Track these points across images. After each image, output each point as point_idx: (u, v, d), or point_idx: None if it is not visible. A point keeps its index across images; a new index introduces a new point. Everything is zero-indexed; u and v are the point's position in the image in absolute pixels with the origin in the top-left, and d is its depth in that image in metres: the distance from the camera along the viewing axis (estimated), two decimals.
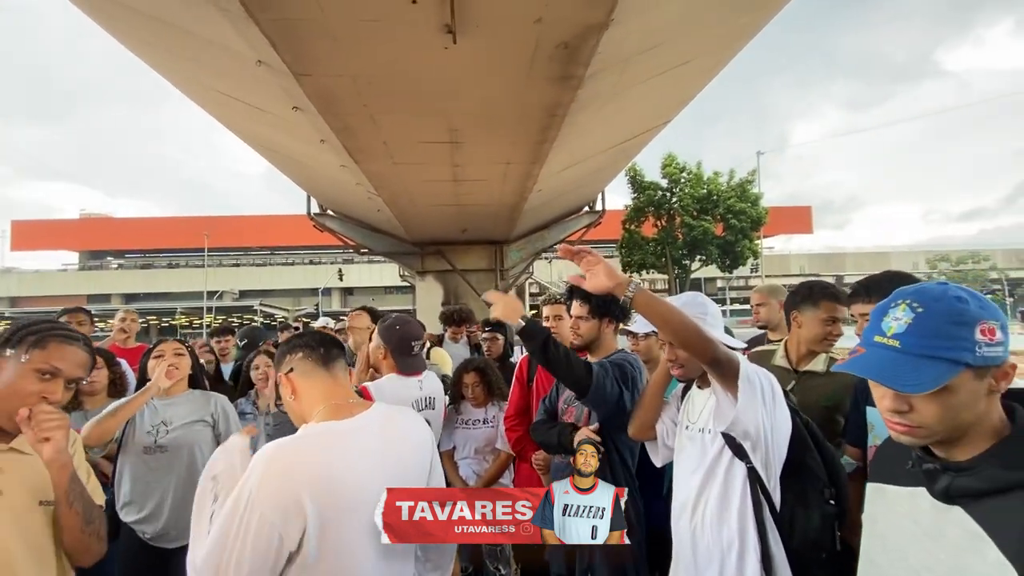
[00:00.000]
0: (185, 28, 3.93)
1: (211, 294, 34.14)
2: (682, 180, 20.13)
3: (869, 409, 1.73)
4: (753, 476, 1.24)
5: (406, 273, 12.81)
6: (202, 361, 2.51)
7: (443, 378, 3.10)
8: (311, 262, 40.60)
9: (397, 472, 1.19)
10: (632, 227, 20.63)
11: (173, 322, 35.03)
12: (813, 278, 2.44)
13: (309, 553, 1.04)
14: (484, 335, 3.61)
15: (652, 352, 2.29)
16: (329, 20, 3.48)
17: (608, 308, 1.95)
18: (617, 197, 17.18)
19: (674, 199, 20.19)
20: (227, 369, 3.55)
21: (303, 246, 39.49)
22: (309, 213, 10.69)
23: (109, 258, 43.77)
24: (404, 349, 2.07)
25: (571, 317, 2.01)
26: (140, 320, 3.94)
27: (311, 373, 1.27)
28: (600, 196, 11.38)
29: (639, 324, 2.09)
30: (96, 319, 3.76)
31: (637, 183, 20.25)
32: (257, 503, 1.02)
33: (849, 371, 0.80)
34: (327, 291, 36.20)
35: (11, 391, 1.18)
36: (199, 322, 34.26)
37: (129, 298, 38.29)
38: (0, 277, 38.53)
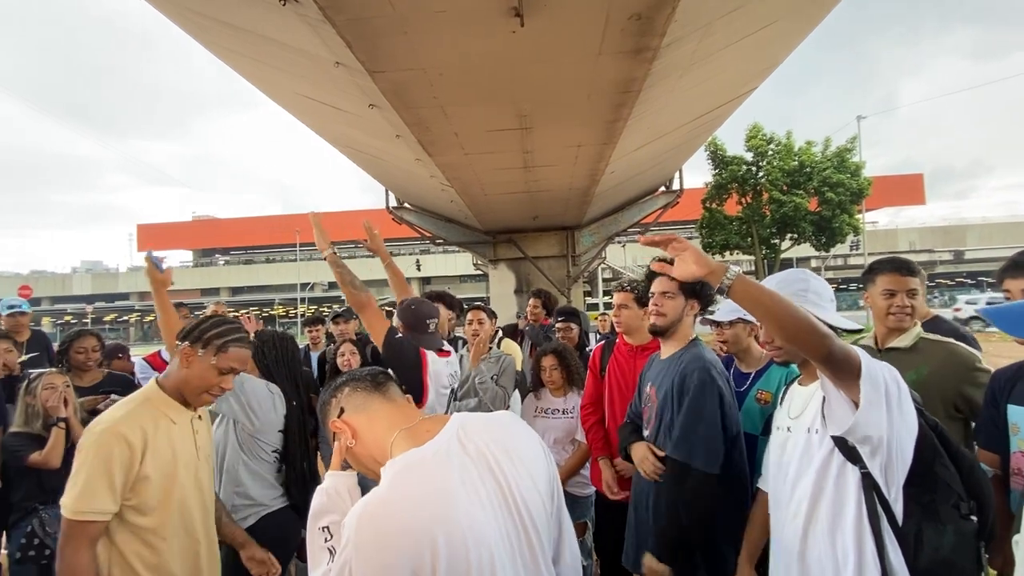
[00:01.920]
0: (270, 37, 4.18)
1: (303, 286, 36.95)
2: (769, 152, 18.58)
3: (1013, 408, 1.48)
4: (868, 483, 1.08)
5: (479, 262, 13.01)
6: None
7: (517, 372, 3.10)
8: (392, 254, 42.46)
9: (508, 485, 0.98)
10: (713, 206, 19.43)
11: (272, 312, 38.25)
12: (925, 254, 2.14)
13: None
14: (558, 324, 3.52)
15: (740, 342, 2.11)
16: (399, 15, 3.53)
17: (697, 289, 1.80)
18: (696, 175, 16.32)
19: (760, 173, 18.72)
20: (315, 356, 3.78)
21: (384, 239, 41.35)
22: (388, 207, 11.14)
23: (217, 255, 48.68)
24: (420, 327, 2.22)
25: (652, 295, 1.86)
26: (242, 312, 4.30)
27: (367, 403, 1.08)
28: (677, 174, 10.83)
29: (723, 311, 1.93)
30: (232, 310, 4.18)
31: (718, 158, 18.98)
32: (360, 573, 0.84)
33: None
34: (407, 281, 37.75)
35: (199, 379, 1.55)
36: (294, 312, 37.14)
37: (235, 291, 42.37)
38: (132, 274, 43.94)
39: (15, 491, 2.44)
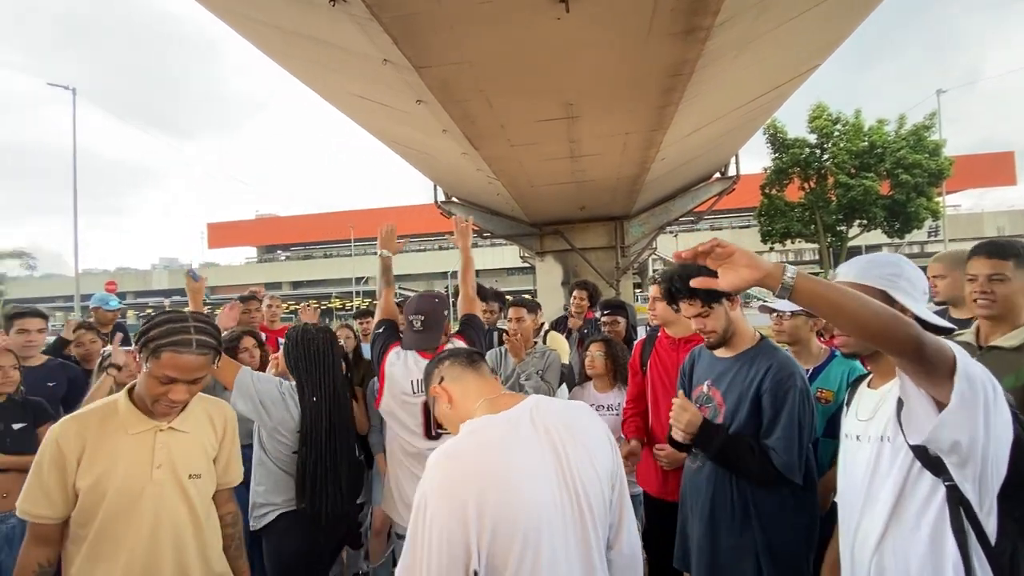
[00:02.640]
0: (322, 39, 4.30)
1: (358, 280, 38.34)
2: (835, 133, 17.38)
3: None
4: (954, 497, 0.97)
5: (526, 254, 12.99)
6: (341, 341, 2.79)
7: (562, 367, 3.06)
8: (440, 247, 43.43)
9: (568, 468, 1.08)
10: (773, 191, 18.42)
11: (329, 305, 39.92)
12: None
13: (491, 562, 0.98)
14: (603, 317, 3.42)
15: (799, 335, 1.98)
16: (444, 9, 3.54)
17: (705, 292, 1.67)
18: (754, 159, 15.54)
19: (825, 156, 17.56)
20: (367, 348, 3.92)
21: (433, 233, 42.31)
22: (436, 201, 11.30)
23: (279, 251, 51.32)
24: (407, 324, 2.16)
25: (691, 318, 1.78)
26: (301, 303, 4.53)
27: (461, 376, 1.28)
28: (733, 160, 10.34)
29: (784, 300, 1.81)
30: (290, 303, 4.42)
31: (778, 141, 17.95)
32: (433, 515, 0.98)
33: None
34: (455, 274, 38.39)
35: (145, 387, 1.41)
36: (351, 305, 38.64)
37: (295, 285, 44.53)
38: (204, 270, 47.19)
39: None
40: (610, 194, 8.84)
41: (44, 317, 2.85)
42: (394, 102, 5.44)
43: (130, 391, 1.48)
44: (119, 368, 2.33)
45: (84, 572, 1.39)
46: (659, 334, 2.36)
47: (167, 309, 1.47)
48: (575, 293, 4.08)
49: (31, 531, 1.40)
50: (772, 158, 18.30)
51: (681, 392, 1.79)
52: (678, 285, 1.72)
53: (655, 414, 2.28)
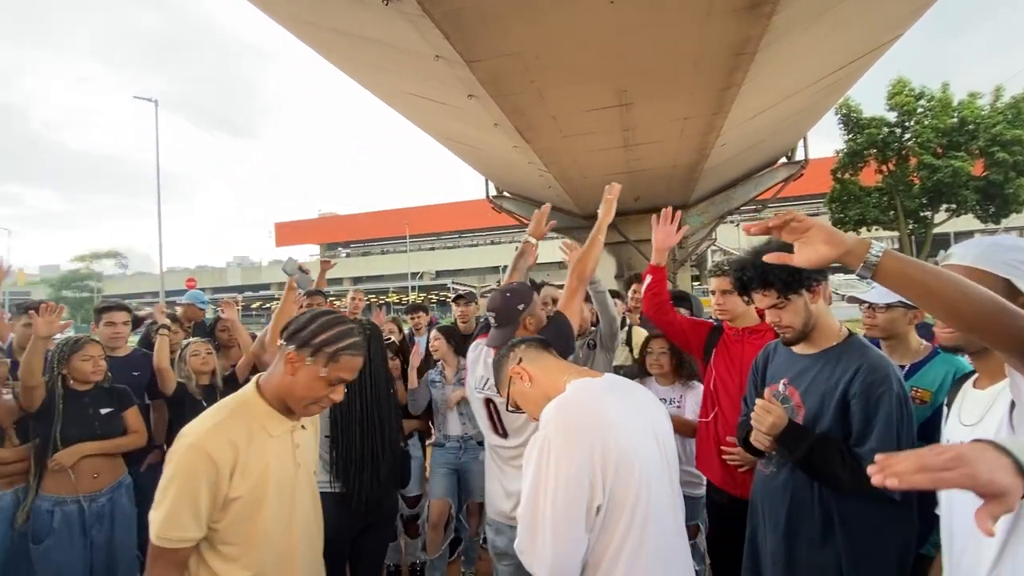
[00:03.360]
0: (376, 39, 4.39)
1: (413, 275, 39.40)
2: (919, 110, 15.89)
3: None
4: None
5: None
6: (388, 337, 2.87)
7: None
8: (492, 242, 43.85)
9: (653, 425, 1.22)
10: (846, 176, 17.14)
11: (386, 299, 41.30)
12: None
13: (614, 498, 1.07)
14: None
15: (895, 329, 1.79)
16: (493, 1, 3.50)
17: (800, 275, 1.49)
18: (824, 142, 14.51)
19: (907, 135, 16.12)
20: (421, 341, 3.97)
21: (485, 227, 42.80)
22: (487, 196, 11.35)
23: (339, 248, 53.56)
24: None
25: (766, 309, 1.60)
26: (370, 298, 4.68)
27: (539, 357, 1.35)
28: (801, 143, 9.70)
29: (879, 292, 1.63)
30: (332, 299, 4.59)
31: (852, 121, 16.65)
32: (559, 455, 1.06)
33: None
34: (506, 268, 38.67)
35: (305, 389, 1.36)
36: (407, 299, 39.79)
37: (355, 281, 46.33)
38: (272, 267, 49.99)
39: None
40: (666, 183, 8.53)
41: (128, 311, 3.07)
42: (446, 99, 5.48)
43: (259, 387, 1.40)
44: (168, 328, 2.83)
45: (243, 567, 1.31)
46: (724, 325, 2.24)
47: (317, 311, 1.44)
48: (633, 287, 3.97)
49: (169, 558, 1.23)
50: (845, 140, 17.00)
51: (768, 392, 1.61)
52: (750, 273, 1.57)
53: (720, 411, 2.16)
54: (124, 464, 2.56)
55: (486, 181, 10.99)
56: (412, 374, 2.97)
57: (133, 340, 3.41)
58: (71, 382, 2.43)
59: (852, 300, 1.43)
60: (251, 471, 1.29)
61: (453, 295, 3.56)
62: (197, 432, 1.28)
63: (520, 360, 1.34)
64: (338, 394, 1.39)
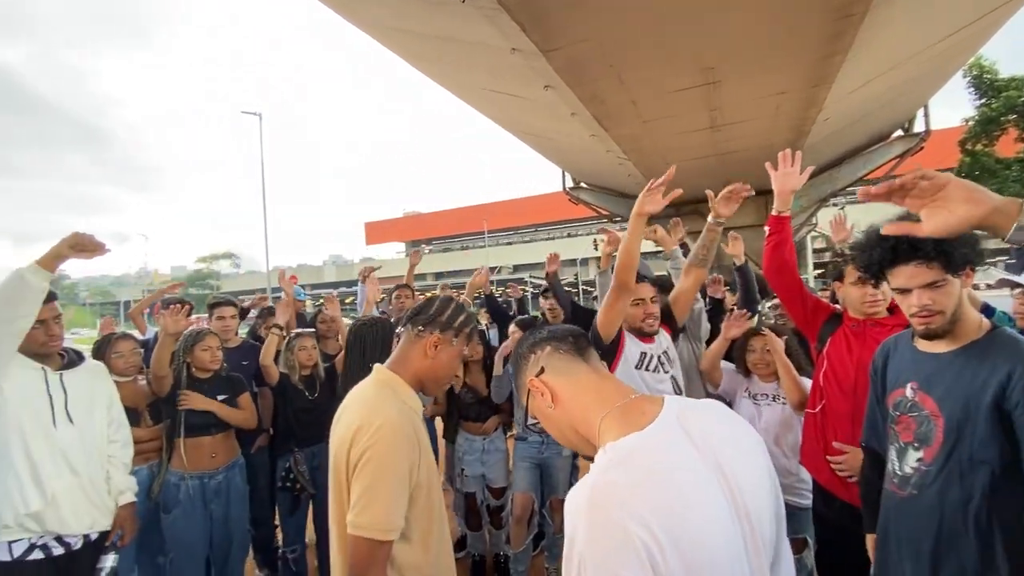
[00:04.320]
0: (453, 37, 4.45)
1: (492, 269, 40.12)
2: None
3: None
4: None
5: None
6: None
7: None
8: (569, 235, 43.56)
9: (735, 488, 0.82)
10: (978, 147, 14.92)
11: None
12: None
13: None
14: (772, 301, 3.05)
15: None
16: None
17: (963, 251, 1.24)
18: (947, 111, 12.72)
19: None
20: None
21: (562, 220, 42.63)
22: (564, 188, 11.22)
23: (422, 245, 55.90)
24: None
25: (902, 290, 1.33)
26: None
27: (570, 369, 0.98)
28: (921, 112, 8.56)
29: None
30: (418, 293, 4.77)
31: (986, 84, 14.39)
32: (594, 568, 0.74)
33: None
34: (584, 261, 38.17)
35: (447, 368, 1.41)
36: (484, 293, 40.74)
37: (438, 276, 48.08)
38: (362, 265, 53.36)
39: (278, 432, 3.15)
40: (760, 165, 7.86)
41: (235, 305, 3.41)
42: (522, 91, 5.45)
43: (394, 372, 1.38)
44: (280, 328, 3.01)
45: (413, 563, 1.26)
46: (844, 314, 2.02)
47: (443, 297, 1.53)
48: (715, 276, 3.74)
49: (381, 552, 1.16)
50: (976, 106, 14.76)
51: (892, 398, 1.37)
52: (904, 245, 1.26)
53: (828, 404, 1.96)
54: (238, 446, 2.82)
55: (563, 173, 10.86)
56: (498, 360, 2.98)
57: (242, 331, 3.77)
58: (194, 370, 2.72)
59: (1004, 283, 1.18)
60: (426, 453, 1.31)
61: (535, 289, 3.55)
62: (388, 419, 1.23)
63: (542, 370, 0.99)
64: (460, 369, 1.44)
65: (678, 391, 2.22)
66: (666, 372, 2.31)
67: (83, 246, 1.90)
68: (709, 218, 2.31)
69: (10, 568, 1.89)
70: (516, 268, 45.15)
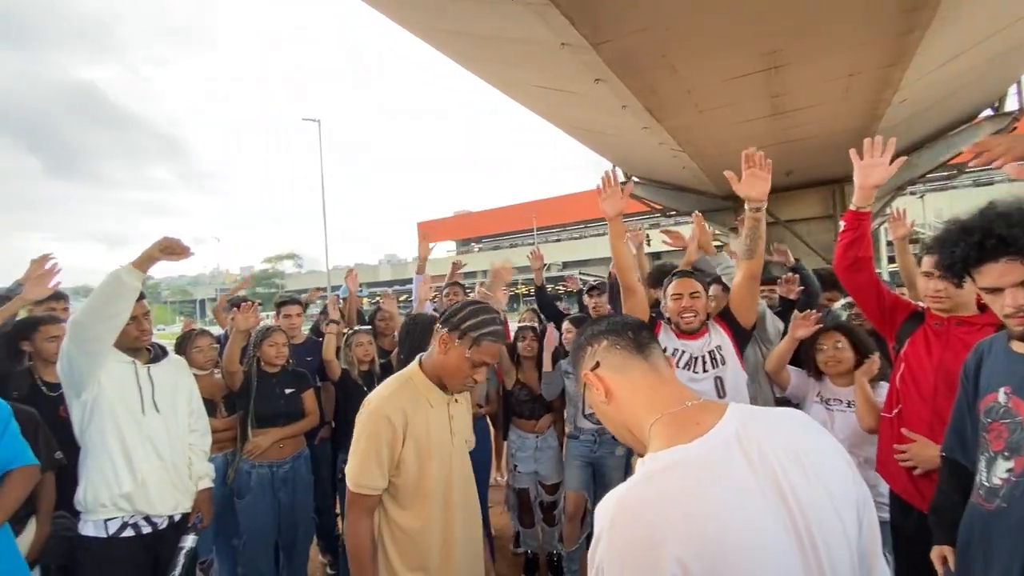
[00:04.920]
0: (503, 36, 4.46)
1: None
2: None
3: None
4: None
5: (717, 231, 11.81)
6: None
7: None
8: None
9: (796, 509, 0.74)
10: None
11: (516, 291, 42.55)
12: None
13: None
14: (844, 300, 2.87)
15: None
16: None
17: None
18: None
19: None
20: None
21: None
22: None
23: (473, 243, 56.61)
24: None
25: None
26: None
27: (626, 366, 0.94)
28: (1014, 88, 7.76)
29: None
30: (468, 291, 4.85)
31: None
32: None
33: None
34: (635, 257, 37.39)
35: (456, 366, 1.56)
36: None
37: (486, 274, 48.62)
38: (415, 263, 54.68)
39: (339, 425, 3.30)
40: (826, 153, 7.44)
41: (300, 303, 3.60)
42: (571, 86, 5.39)
43: (421, 364, 1.63)
44: (338, 323, 3.14)
45: (402, 525, 1.54)
46: (926, 314, 1.87)
47: (470, 300, 1.66)
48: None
49: (363, 504, 1.52)
50: None
51: (983, 404, 1.27)
52: (992, 238, 1.16)
53: (904, 408, 1.82)
54: (304, 438, 2.97)
55: (613, 167, 10.67)
56: (547, 356, 2.98)
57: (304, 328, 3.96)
58: (263, 365, 2.88)
59: None
60: (417, 434, 1.53)
61: (584, 286, 3.52)
62: (378, 399, 1.55)
63: (597, 364, 0.96)
64: (480, 375, 1.56)
65: (721, 393, 2.11)
66: (706, 372, 2.20)
67: (172, 249, 2.06)
68: (745, 205, 2.17)
69: (106, 543, 2.08)
70: (565, 265, 44.83)
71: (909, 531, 1.80)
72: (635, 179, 10.96)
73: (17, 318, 2.64)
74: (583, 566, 2.96)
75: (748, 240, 2.09)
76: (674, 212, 11.14)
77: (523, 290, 43.96)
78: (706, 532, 0.70)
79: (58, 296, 2.92)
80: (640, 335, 0.98)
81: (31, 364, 2.59)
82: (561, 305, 5.11)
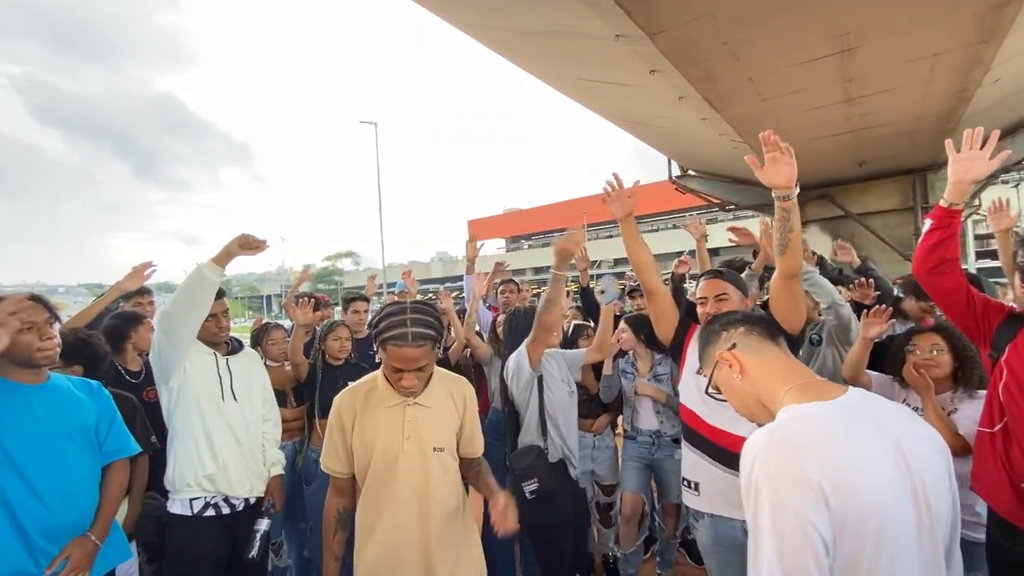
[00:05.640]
0: (555, 30, 4.43)
1: (592, 263, 39.59)
2: None
3: None
4: None
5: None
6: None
7: None
8: (674, 226, 41.45)
9: (913, 468, 0.89)
10: None
11: (568, 288, 42.25)
12: None
13: (844, 558, 0.84)
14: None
15: None
16: None
17: None
18: None
19: None
20: None
21: (666, 211, 40.72)
22: (670, 177, 10.70)
23: (522, 240, 56.70)
24: None
25: None
26: (543, 288, 4.93)
27: (761, 349, 1.11)
28: None
29: None
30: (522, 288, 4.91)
31: None
32: (774, 509, 0.84)
33: None
34: (691, 252, 36.26)
35: (389, 375, 1.68)
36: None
37: (537, 271, 48.52)
38: (463, 262, 55.53)
39: None
40: (906, 141, 6.90)
41: (367, 300, 3.76)
42: (625, 78, 5.28)
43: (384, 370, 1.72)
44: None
45: (365, 518, 1.69)
46: None
47: (394, 301, 1.67)
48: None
49: (331, 483, 1.76)
50: None
51: None
52: None
53: (1010, 421, 1.66)
54: None
55: (668, 161, 10.35)
56: (608, 360, 2.94)
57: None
58: (328, 358, 3.02)
59: None
60: (365, 430, 1.64)
61: (634, 283, 3.45)
62: (338, 395, 1.73)
63: (734, 345, 1.12)
64: (407, 380, 1.58)
65: None
66: None
67: (248, 244, 2.19)
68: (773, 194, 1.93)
69: (191, 521, 2.25)
70: (616, 262, 44.06)
71: (1015, 557, 1.63)
72: (691, 172, 10.60)
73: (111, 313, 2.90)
74: (640, 571, 2.90)
75: (779, 234, 1.85)
76: (733, 206, 10.68)
77: (572, 287, 43.62)
78: (840, 464, 0.84)
79: (143, 291, 3.18)
80: (771, 327, 1.16)
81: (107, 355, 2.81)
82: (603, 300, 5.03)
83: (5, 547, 1.64)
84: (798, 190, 1.92)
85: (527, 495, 2.26)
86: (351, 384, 1.79)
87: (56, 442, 1.78)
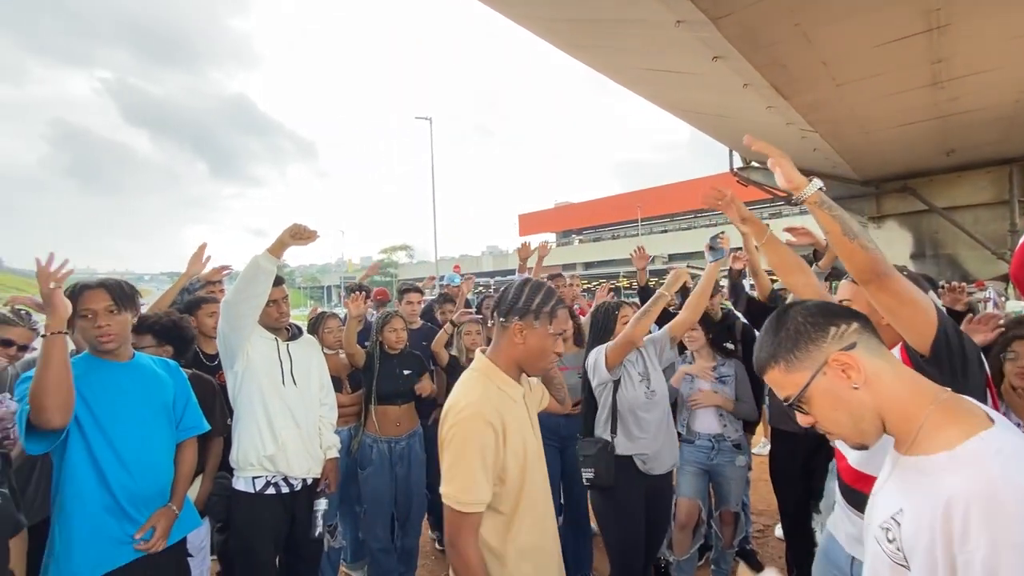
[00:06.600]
0: (612, 18, 4.30)
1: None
2: None
3: None
4: None
5: (857, 219, 10.48)
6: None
7: None
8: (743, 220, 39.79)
9: None
10: None
11: (617, 284, 41.61)
12: None
13: None
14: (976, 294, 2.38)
15: None
16: None
17: None
18: None
19: None
20: None
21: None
22: (731, 169, 10.23)
23: (573, 235, 56.17)
24: None
25: None
26: (594, 283, 4.87)
27: (882, 350, 0.91)
28: None
29: None
30: (571, 282, 4.88)
31: None
32: None
33: None
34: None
35: (540, 349, 1.50)
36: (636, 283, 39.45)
37: (587, 266, 48.01)
38: (512, 256, 55.77)
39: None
40: (1001, 127, 6.25)
41: (421, 292, 3.85)
42: (686, 66, 5.07)
43: (491, 360, 1.51)
44: (455, 325, 3.28)
45: (511, 531, 1.40)
46: None
47: (516, 284, 1.60)
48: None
49: (472, 523, 1.33)
50: None
51: None
52: None
53: None
54: (418, 418, 3.15)
55: (730, 152, 9.89)
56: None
57: None
58: (385, 348, 3.11)
59: None
60: (513, 436, 1.41)
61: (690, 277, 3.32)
62: (469, 403, 1.38)
63: (854, 344, 0.88)
64: (560, 346, 1.52)
65: None
66: None
67: (300, 234, 2.28)
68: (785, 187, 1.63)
69: (254, 499, 2.37)
70: (671, 258, 42.81)
71: None
72: (754, 163, 10.09)
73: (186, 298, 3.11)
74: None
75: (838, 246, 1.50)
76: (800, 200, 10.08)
77: (624, 283, 42.83)
78: None
79: (216, 280, 3.40)
80: (874, 329, 0.94)
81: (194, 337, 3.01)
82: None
83: (103, 514, 1.79)
84: (812, 188, 1.64)
85: (584, 482, 2.40)
86: (469, 391, 1.44)
87: (141, 416, 1.92)
